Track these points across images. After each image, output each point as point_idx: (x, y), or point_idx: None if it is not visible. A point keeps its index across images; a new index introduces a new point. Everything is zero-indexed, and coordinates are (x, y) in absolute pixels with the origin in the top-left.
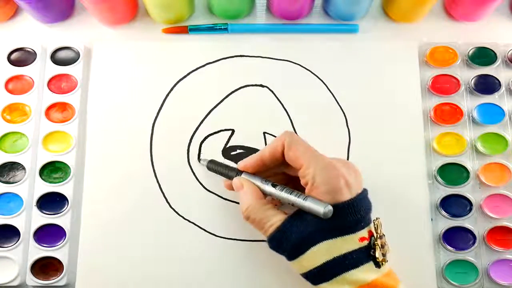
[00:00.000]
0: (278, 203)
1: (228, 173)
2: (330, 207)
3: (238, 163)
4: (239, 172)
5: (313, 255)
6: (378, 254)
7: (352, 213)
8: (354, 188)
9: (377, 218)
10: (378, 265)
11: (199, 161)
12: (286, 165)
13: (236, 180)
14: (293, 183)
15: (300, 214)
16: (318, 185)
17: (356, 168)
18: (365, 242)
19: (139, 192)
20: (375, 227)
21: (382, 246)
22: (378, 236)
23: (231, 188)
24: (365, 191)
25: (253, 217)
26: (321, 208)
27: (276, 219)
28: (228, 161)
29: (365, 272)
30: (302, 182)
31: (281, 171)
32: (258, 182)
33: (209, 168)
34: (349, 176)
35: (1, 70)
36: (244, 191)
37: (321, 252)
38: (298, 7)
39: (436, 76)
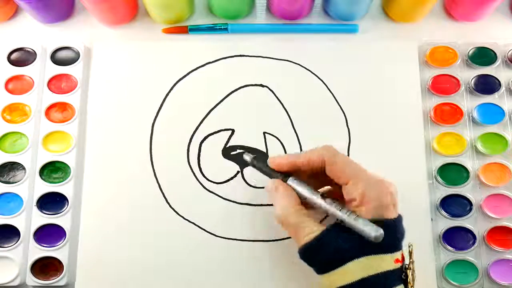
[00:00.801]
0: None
1: (272, 173)
2: (382, 231)
3: (269, 159)
4: (286, 176)
5: (348, 271)
6: (410, 278)
7: (394, 232)
8: (397, 207)
9: (410, 244)
10: None
11: (243, 155)
12: (322, 177)
13: (272, 182)
14: (318, 184)
15: (339, 226)
16: (369, 201)
17: (396, 187)
18: (399, 265)
19: (139, 192)
20: (409, 251)
21: (413, 271)
22: (411, 261)
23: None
24: (401, 217)
25: (289, 221)
26: (372, 232)
27: (314, 228)
28: (228, 161)
29: None
30: (347, 197)
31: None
32: (306, 191)
33: (253, 165)
34: (396, 194)
35: (1, 70)
36: (282, 193)
37: (358, 269)
38: (298, 7)
39: (436, 76)
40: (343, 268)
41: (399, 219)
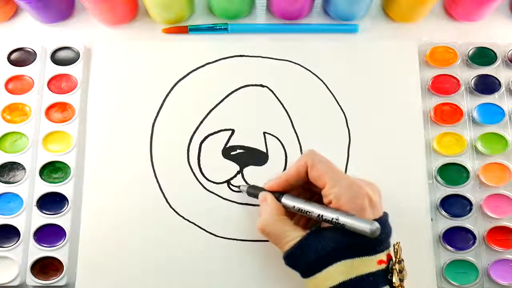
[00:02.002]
0: (303, 223)
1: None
2: (378, 225)
3: (264, 184)
4: (281, 194)
5: (330, 274)
6: (395, 279)
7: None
8: (377, 209)
9: (397, 243)
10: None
11: (239, 188)
12: (310, 183)
13: (262, 194)
14: (318, 200)
15: (319, 231)
16: (343, 204)
17: (379, 189)
18: (383, 265)
19: (139, 192)
20: (394, 251)
21: (400, 271)
22: (397, 260)
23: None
24: (386, 215)
25: (268, 231)
26: (367, 226)
27: (294, 235)
28: (228, 161)
29: None
30: (325, 200)
31: (306, 188)
32: (299, 202)
33: (248, 194)
34: (374, 196)
35: (1, 70)
36: (266, 203)
37: (338, 272)
38: (298, 7)
39: (436, 76)
40: (325, 272)
41: (381, 220)
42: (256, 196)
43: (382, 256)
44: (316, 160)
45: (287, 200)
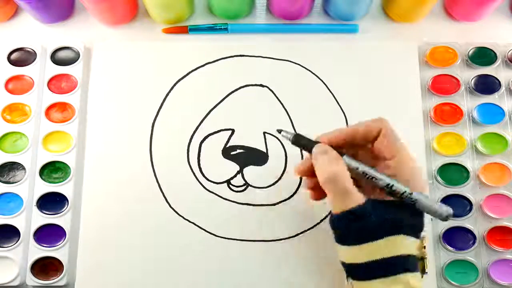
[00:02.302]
0: None
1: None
2: (451, 211)
3: (318, 136)
4: (340, 154)
5: (386, 245)
6: (425, 266)
7: (421, 218)
8: None
9: (423, 237)
10: (422, 276)
11: (279, 133)
12: (360, 148)
13: (321, 146)
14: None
15: (383, 201)
16: (403, 181)
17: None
18: (418, 252)
19: (139, 192)
20: (424, 240)
21: (427, 263)
22: (424, 253)
23: (303, 174)
24: None
25: (339, 184)
26: (444, 211)
27: (360, 195)
28: (228, 161)
29: (417, 280)
30: (387, 172)
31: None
32: (366, 168)
33: (293, 143)
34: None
35: (1, 70)
36: (333, 156)
37: (391, 246)
38: (298, 7)
39: (436, 76)
40: (381, 242)
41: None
42: (304, 147)
43: (420, 242)
44: (391, 129)
45: (350, 160)
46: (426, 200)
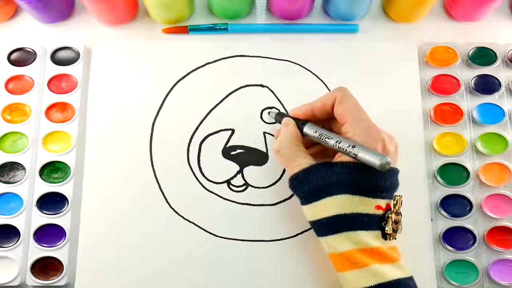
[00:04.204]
0: (318, 156)
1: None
2: (388, 159)
3: (290, 110)
4: (304, 122)
5: (328, 204)
6: (388, 227)
7: (378, 179)
8: (392, 159)
9: (399, 195)
10: (385, 237)
11: (268, 114)
12: (333, 120)
13: (285, 119)
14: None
15: (328, 164)
16: (358, 142)
17: (396, 142)
18: (380, 212)
19: (139, 192)
20: (394, 203)
21: (396, 222)
22: (395, 211)
23: None
24: (397, 170)
25: (283, 152)
26: (377, 160)
27: (305, 161)
28: (228, 161)
29: (371, 238)
30: (346, 135)
31: (326, 126)
32: (321, 130)
33: (276, 120)
34: (389, 144)
35: (1, 70)
36: (287, 127)
37: (337, 204)
38: (298, 7)
39: (436, 76)
40: (325, 201)
41: (391, 170)
42: (280, 122)
43: (381, 203)
44: (346, 96)
45: (308, 128)
46: (364, 152)
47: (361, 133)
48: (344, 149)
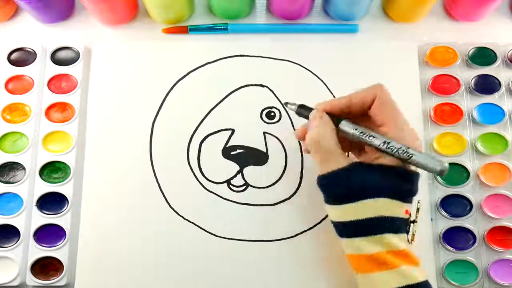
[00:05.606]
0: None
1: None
2: (447, 165)
3: (317, 104)
4: (339, 118)
5: (366, 206)
6: (413, 230)
7: (413, 184)
8: None
9: (419, 201)
10: (409, 240)
11: (286, 106)
12: (359, 116)
13: (316, 111)
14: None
15: (368, 165)
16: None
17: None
18: (407, 216)
19: (139, 192)
20: (417, 208)
21: (415, 229)
22: (417, 216)
23: (301, 137)
24: (419, 174)
25: (323, 144)
26: (438, 165)
27: (344, 159)
28: (228, 160)
29: (399, 240)
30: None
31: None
32: (360, 129)
33: (298, 114)
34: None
35: (1, 70)
36: (324, 121)
37: (376, 207)
38: (298, 7)
39: (436, 76)
40: (360, 203)
41: (419, 174)
42: (306, 117)
43: (409, 207)
44: (387, 96)
45: (346, 125)
46: (421, 155)
47: (407, 137)
48: (395, 150)
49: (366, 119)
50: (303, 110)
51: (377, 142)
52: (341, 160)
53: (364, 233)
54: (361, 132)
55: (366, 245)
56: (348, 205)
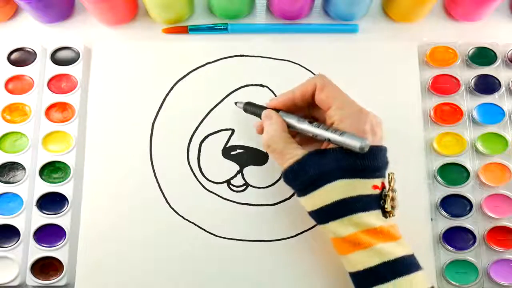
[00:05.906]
0: (303, 143)
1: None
2: (367, 142)
3: (266, 103)
4: (277, 111)
5: (328, 191)
6: (387, 204)
7: (371, 159)
8: (377, 138)
9: (392, 172)
10: (385, 215)
11: (236, 104)
12: (313, 107)
13: (266, 111)
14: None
15: (321, 151)
16: (345, 126)
17: (381, 123)
18: (377, 191)
19: (139, 192)
20: (389, 180)
21: (393, 199)
22: (391, 188)
23: (261, 132)
24: (385, 148)
25: (274, 147)
26: (357, 142)
27: (297, 152)
28: (228, 161)
29: (373, 218)
30: (328, 122)
31: (308, 114)
32: (293, 120)
33: (245, 110)
34: (376, 126)
35: (1, 70)
36: (271, 122)
37: (337, 190)
38: (298, 7)
39: (436, 76)
40: (323, 189)
41: (380, 148)
42: (255, 114)
43: (377, 182)
44: (326, 82)
45: (284, 116)
46: (344, 139)
47: (348, 117)
48: (326, 137)
49: (316, 110)
50: (250, 107)
51: (309, 134)
52: (294, 154)
53: (334, 217)
54: (296, 120)
55: (338, 228)
56: (313, 194)
